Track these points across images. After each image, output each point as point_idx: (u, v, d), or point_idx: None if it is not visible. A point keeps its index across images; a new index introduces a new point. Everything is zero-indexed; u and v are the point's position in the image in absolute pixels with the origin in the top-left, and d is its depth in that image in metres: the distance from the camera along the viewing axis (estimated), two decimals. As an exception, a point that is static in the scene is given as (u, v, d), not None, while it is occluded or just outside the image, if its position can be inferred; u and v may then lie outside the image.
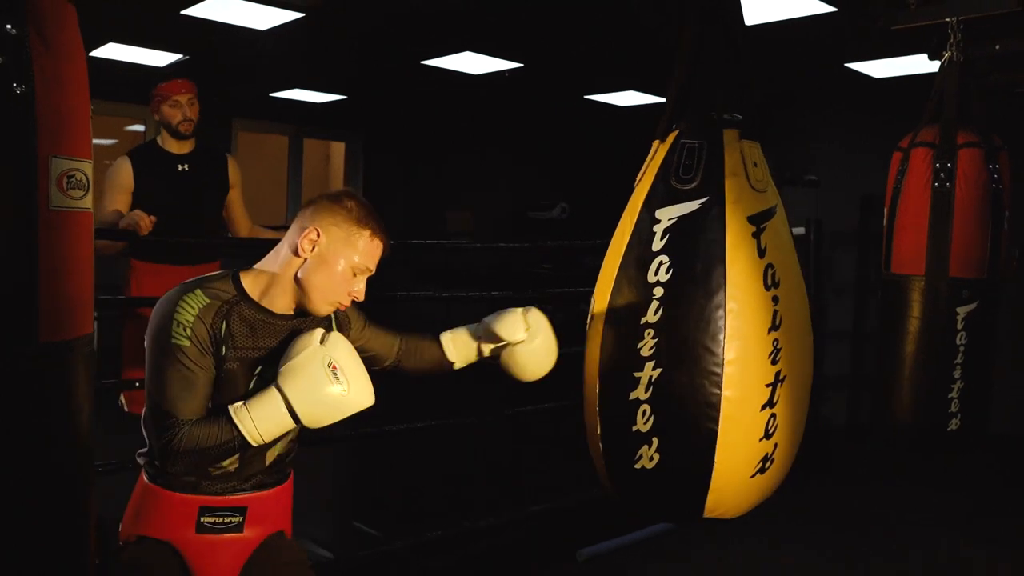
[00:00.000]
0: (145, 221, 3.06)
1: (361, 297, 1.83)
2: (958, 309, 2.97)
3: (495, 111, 8.16)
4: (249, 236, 3.78)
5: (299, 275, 1.77)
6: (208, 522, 1.82)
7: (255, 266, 1.83)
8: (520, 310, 2.23)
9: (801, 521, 4.19)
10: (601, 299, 2.36)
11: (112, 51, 5.97)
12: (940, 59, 3.13)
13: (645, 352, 2.22)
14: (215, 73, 6.29)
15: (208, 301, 1.71)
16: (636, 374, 2.23)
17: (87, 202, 1.30)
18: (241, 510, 1.85)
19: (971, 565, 3.76)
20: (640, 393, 2.22)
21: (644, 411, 2.23)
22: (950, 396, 2.98)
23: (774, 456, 2.35)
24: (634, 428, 2.23)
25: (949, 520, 4.24)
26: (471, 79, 6.58)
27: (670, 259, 2.26)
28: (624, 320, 2.27)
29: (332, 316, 1.94)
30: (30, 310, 1.19)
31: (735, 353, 2.25)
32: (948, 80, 3.04)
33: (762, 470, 2.34)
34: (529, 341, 2.19)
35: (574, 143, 8.84)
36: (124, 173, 3.39)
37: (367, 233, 1.80)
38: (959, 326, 2.97)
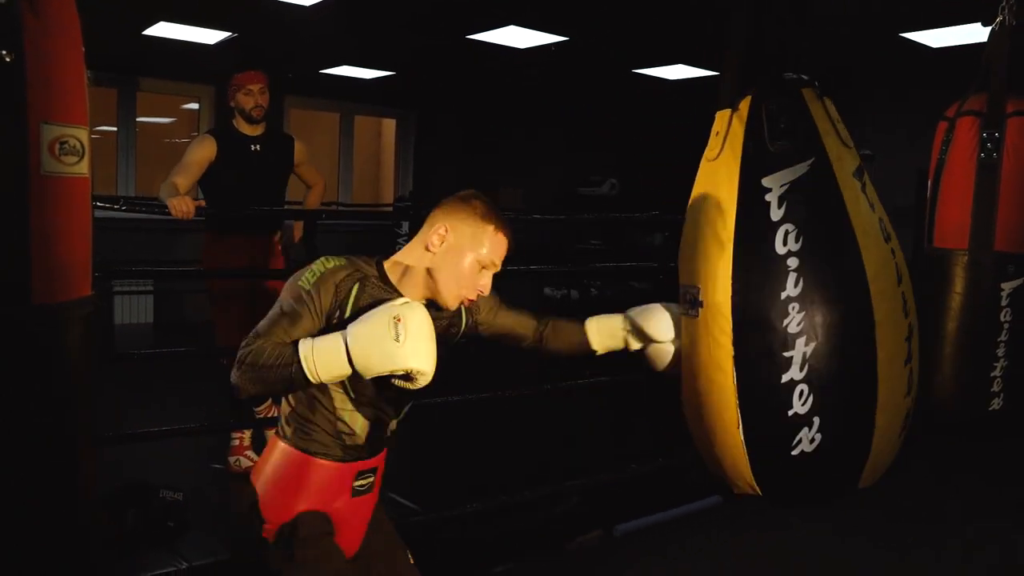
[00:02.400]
0: (182, 210, 3.28)
1: (487, 291, 1.93)
2: (1003, 285, 2.85)
3: (544, 87, 8.10)
4: (322, 190, 4.21)
5: (430, 268, 1.87)
6: (358, 486, 1.96)
7: (393, 257, 1.94)
8: (669, 311, 2.27)
9: (844, 505, 4.10)
10: (715, 284, 2.18)
11: (164, 30, 6.08)
12: (992, 24, 3.00)
13: (793, 329, 2.08)
14: (265, 50, 6.37)
15: (345, 263, 1.83)
16: (787, 354, 2.08)
17: (82, 167, 1.32)
18: (375, 470, 2.01)
19: (1016, 550, 3.64)
20: (795, 373, 2.08)
21: (801, 392, 2.09)
22: (993, 375, 2.87)
23: (912, 412, 2.29)
24: (791, 412, 2.09)
25: (1001, 510, 4.10)
26: (517, 53, 6.54)
27: (796, 227, 2.11)
28: (761, 299, 2.11)
29: (460, 310, 2.05)
30: (23, 273, 1.22)
31: (881, 314, 2.15)
32: (998, 45, 2.90)
33: (904, 427, 2.27)
34: (677, 341, 2.25)
35: (624, 118, 8.73)
36: (208, 148, 3.76)
37: (491, 228, 1.90)
38: (1003, 302, 2.84)
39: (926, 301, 3.16)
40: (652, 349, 2.29)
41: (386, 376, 1.73)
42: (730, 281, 2.14)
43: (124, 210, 3.31)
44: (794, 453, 2.10)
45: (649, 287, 8.05)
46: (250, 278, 3.87)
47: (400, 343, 1.67)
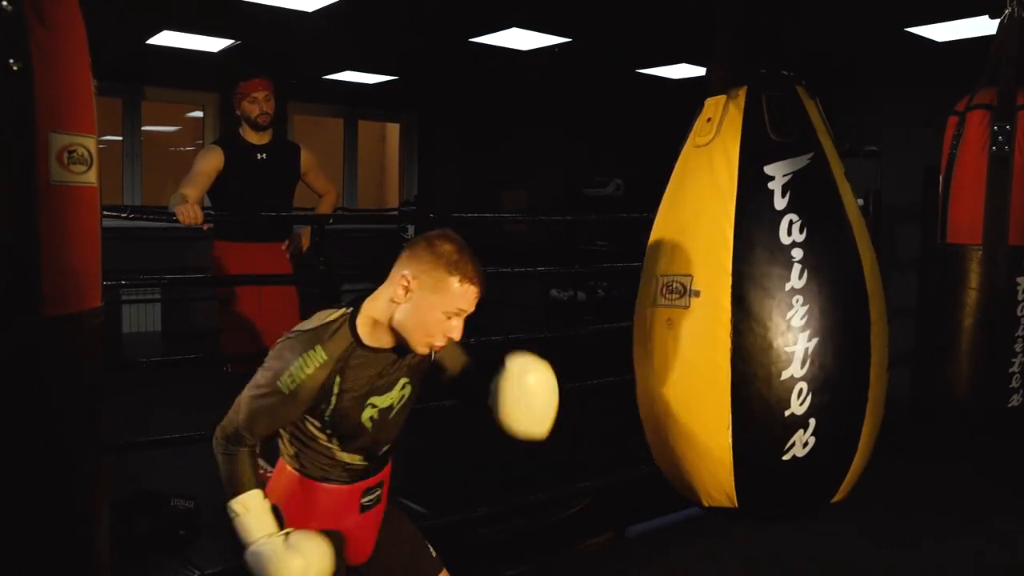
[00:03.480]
0: (190, 215, 3.32)
1: (457, 337, 1.89)
2: (1018, 279, 2.83)
3: (547, 89, 8.08)
4: (333, 199, 4.22)
5: (396, 319, 1.86)
6: (365, 502, 2.04)
7: (363, 307, 1.92)
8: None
9: (856, 501, 4.07)
10: (711, 273, 2.05)
11: (167, 38, 6.08)
12: (1000, 17, 2.98)
13: (797, 322, 1.97)
14: (268, 57, 6.37)
15: (325, 359, 1.85)
16: (789, 349, 1.97)
17: (90, 176, 1.31)
18: (381, 484, 2.08)
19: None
20: (796, 370, 1.96)
21: (800, 391, 1.98)
22: (1011, 371, 2.85)
23: (886, 415, 2.21)
24: (788, 412, 1.97)
25: (1010, 506, 4.07)
26: (520, 55, 6.52)
27: (800, 217, 2.03)
28: (765, 290, 2.01)
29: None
30: (32, 283, 1.20)
31: (875, 314, 2.10)
32: (1007, 37, 2.88)
33: (881, 431, 2.19)
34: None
35: (628, 119, 8.71)
36: (216, 158, 3.76)
37: (456, 279, 1.82)
38: (1020, 297, 2.83)
39: (939, 297, 3.15)
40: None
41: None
42: (731, 271, 2.02)
43: (132, 218, 3.31)
44: (785, 458, 2.00)
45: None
46: (258, 285, 3.86)
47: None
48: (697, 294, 2.07)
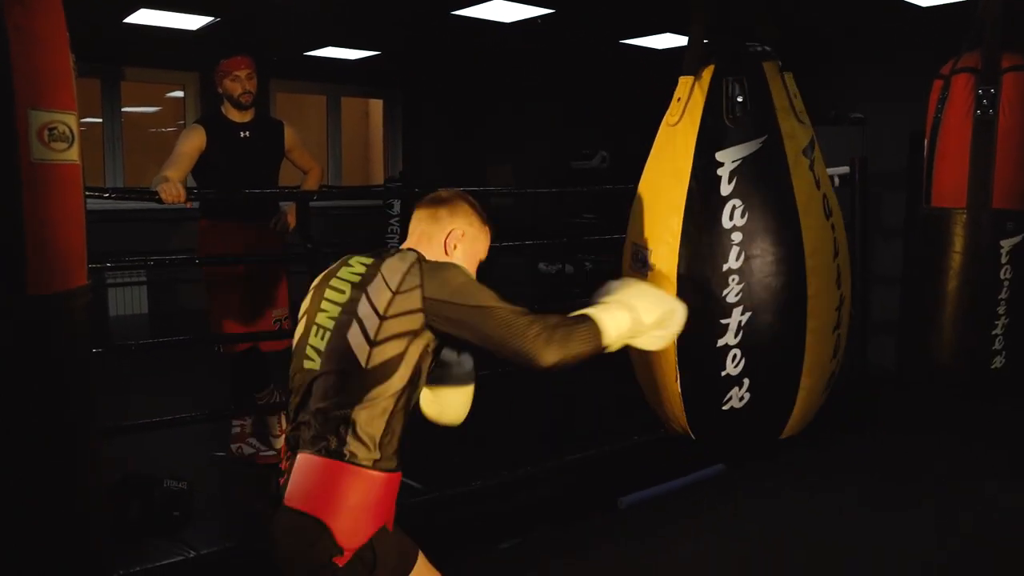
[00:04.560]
0: (172, 193, 3.26)
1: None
2: (1002, 242, 2.85)
3: (531, 61, 8.03)
4: (318, 176, 4.20)
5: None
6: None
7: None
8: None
9: (846, 469, 4.11)
10: (664, 249, 2.28)
11: (145, 17, 5.99)
12: (984, -21, 2.98)
13: (731, 299, 2.23)
14: (248, 34, 6.30)
15: None
16: (723, 321, 2.24)
17: (72, 154, 1.29)
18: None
19: (1019, 516, 3.66)
20: (729, 339, 2.24)
21: (734, 356, 2.26)
22: (994, 333, 2.87)
23: (836, 372, 2.43)
24: (723, 373, 2.27)
25: (997, 470, 4.12)
26: (503, 27, 6.47)
27: (743, 202, 2.24)
28: (704, 269, 2.25)
29: None
30: (17, 263, 1.19)
31: (815, 287, 2.28)
32: (992, 0, 2.88)
33: (828, 386, 2.42)
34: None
35: (613, 90, 8.68)
36: (198, 137, 3.73)
37: (488, 228, 2.00)
38: (1003, 260, 2.85)
39: (924, 261, 3.17)
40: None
41: None
42: (677, 249, 2.28)
43: (114, 198, 3.28)
44: (724, 408, 2.29)
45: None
46: (246, 264, 3.83)
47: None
48: (652, 267, 2.33)
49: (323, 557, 1.69)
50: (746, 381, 2.28)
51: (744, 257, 2.23)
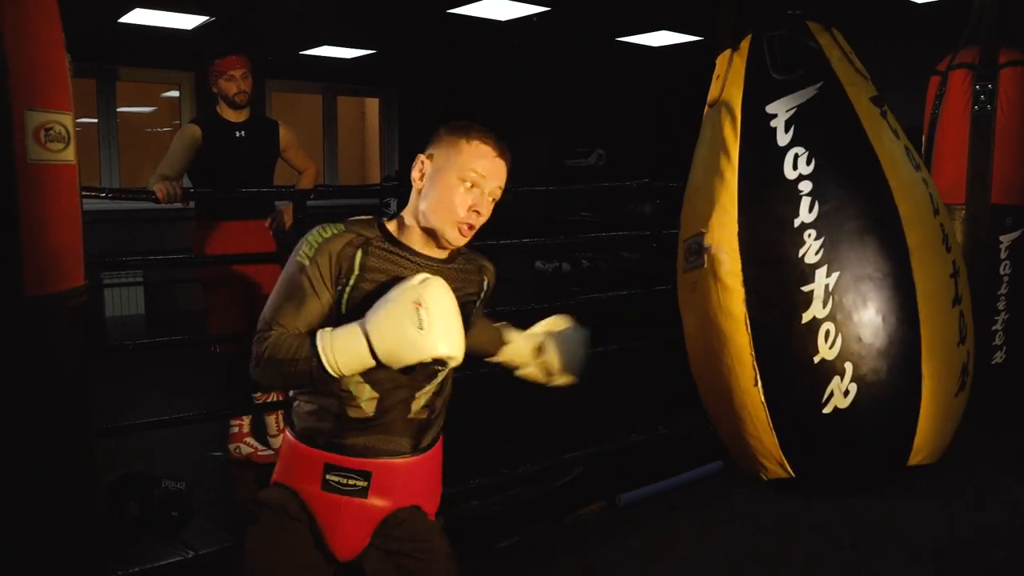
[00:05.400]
0: (168, 193, 3.29)
1: (481, 209, 1.76)
2: (1001, 237, 2.85)
3: (527, 59, 8.03)
4: (314, 175, 4.15)
5: (420, 208, 1.77)
6: (333, 481, 1.77)
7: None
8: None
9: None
10: (723, 219, 1.91)
11: (140, 16, 5.98)
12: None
13: (811, 259, 1.80)
14: (243, 33, 6.28)
15: (343, 229, 1.73)
16: (806, 288, 1.79)
17: (68, 154, 1.28)
18: (365, 475, 1.78)
19: (1020, 507, 3.66)
20: (817, 310, 1.77)
21: (827, 332, 1.78)
22: (994, 328, 2.87)
23: (970, 368, 1.91)
24: (817, 358, 1.77)
25: (999, 463, 4.12)
26: (499, 25, 6.47)
27: (807, 149, 1.87)
28: (771, 228, 1.86)
29: (483, 276, 1.92)
30: (14, 264, 1.18)
31: (916, 239, 1.84)
32: (989, -5, 2.88)
33: (962, 385, 1.87)
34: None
35: (609, 88, 8.67)
36: (193, 137, 3.72)
37: (463, 139, 1.77)
38: (1003, 255, 2.85)
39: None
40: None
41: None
42: (736, 213, 1.89)
43: (110, 198, 3.27)
44: (826, 411, 1.79)
45: (640, 256, 8.04)
46: (242, 263, 3.82)
47: (425, 330, 1.58)
48: (709, 249, 1.94)
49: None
50: (848, 367, 1.75)
51: (819, 208, 1.82)
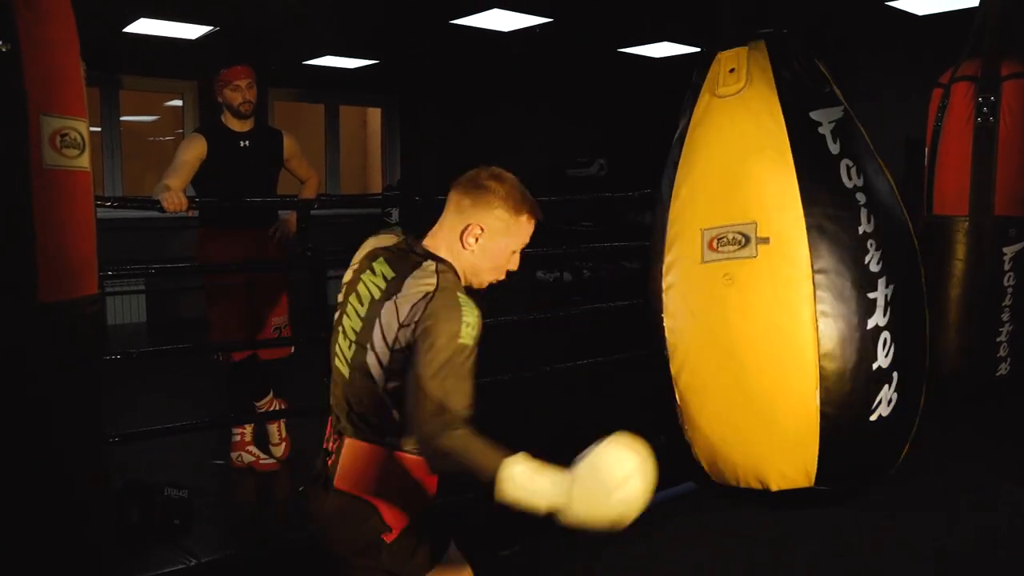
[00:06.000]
0: (174, 202, 3.29)
1: (515, 268, 1.92)
2: (1005, 249, 2.86)
3: (529, 69, 8.05)
4: (316, 185, 4.17)
5: (466, 264, 1.86)
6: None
7: (439, 251, 1.86)
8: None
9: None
10: (787, 212, 1.88)
11: (144, 26, 6.01)
12: (984, -13, 3.00)
13: (874, 267, 1.85)
14: (247, 43, 6.31)
15: (470, 296, 1.78)
16: (871, 295, 1.82)
17: (83, 161, 1.29)
18: None
19: (1021, 508, 3.65)
20: (879, 318, 1.81)
21: (885, 340, 1.83)
22: (998, 340, 2.88)
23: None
24: (875, 366, 1.81)
25: (999, 468, 4.12)
26: (502, 36, 6.49)
27: (854, 162, 1.94)
28: (839, 233, 1.87)
29: None
30: (29, 270, 1.19)
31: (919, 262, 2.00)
32: (990, 7, 2.90)
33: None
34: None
35: (610, 98, 8.70)
36: (198, 146, 3.72)
37: (523, 219, 1.87)
38: (1006, 267, 2.86)
39: (928, 269, 3.17)
40: None
41: None
42: (803, 215, 1.87)
43: (116, 207, 3.28)
44: (872, 419, 1.84)
45: (640, 265, 8.05)
46: (246, 272, 3.83)
47: (620, 501, 1.57)
48: (767, 241, 1.92)
49: (373, 535, 1.80)
50: (895, 376, 1.82)
51: (874, 220, 1.89)
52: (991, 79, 2.87)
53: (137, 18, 5.81)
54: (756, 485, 2.06)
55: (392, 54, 7.51)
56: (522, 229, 1.87)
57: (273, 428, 3.88)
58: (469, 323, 1.70)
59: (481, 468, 1.60)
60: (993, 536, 3.43)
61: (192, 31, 6.17)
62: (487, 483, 1.59)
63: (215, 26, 6.06)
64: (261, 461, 3.83)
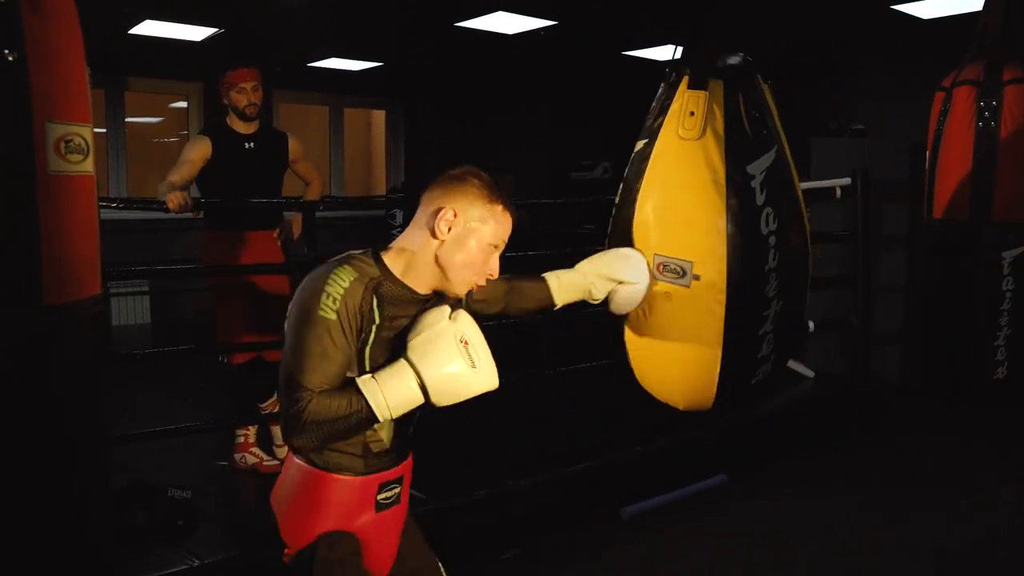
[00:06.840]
0: (178, 202, 3.33)
1: (496, 274, 1.80)
2: (1004, 253, 2.86)
3: (534, 72, 8.07)
4: (320, 186, 4.23)
5: (439, 256, 1.73)
6: (382, 499, 1.80)
7: (392, 245, 1.78)
8: (634, 255, 2.44)
9: (849, 478, 4.12)
10: (713, 259, 2.44)
11: (150, 28, 6.04)
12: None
13: (771, 293, 2.49)
14: (252, 45, 6.34)
15: (355, 276, 1.66)
16: (765, 312, 2.50)
17: (87, 166, 1.31)
18: (400, 480, 1.84)
19: (1021, 509, 3.66)
20: (767, 327, 2.51)
21: (768, 340, 2.53)
22: (996, 344, 2.88)
23: None
24: (760, 355, 2.54)
25: (998, 470, 4.13)
26: (506, 39, 6.51)
27: (774, 210, 2.45)
28: (749, 272, 2.46)
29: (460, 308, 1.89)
30: (33, 273, 1.21)
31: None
32: (993, 11, 2.90)
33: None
34: (643, 281, 2.41)
35: (615, 101, 8.71)
36: (204, 147, 3.75)
37: (499, 208, 1.77)
38: (1005, 271, 2.86)
39: (927, 273, 3.18)
40: (623, 292, 2.40)
41: None
42: (726, 260, 2.42)
43: (121, 208, 3.30)
44: (753, 382, 2.59)
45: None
46: (250, 273, 3.84)
47: (478, 368, 1.62)
48: (698, 278, 2.45)
49: (275, 553, 1.77)
50: (772, 358, 2.59)
51: (778, 257, 2.47)
52: (993, 84, 2.87)
53: (142, 20, 5.84)
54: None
55: (397, 56, 7.53)
56: (498, 219, 1.76)
57: (277, 430, 3.90)
58: (330, 293, 1.61)
59: (348, 414, 1.60)
60: (993, 536, 3.45)
61: (197, 33, 6.19)
62: (366, 421, 1.62)
63: (220, 28, 6.09)
64: (265, 462, 3.85)
